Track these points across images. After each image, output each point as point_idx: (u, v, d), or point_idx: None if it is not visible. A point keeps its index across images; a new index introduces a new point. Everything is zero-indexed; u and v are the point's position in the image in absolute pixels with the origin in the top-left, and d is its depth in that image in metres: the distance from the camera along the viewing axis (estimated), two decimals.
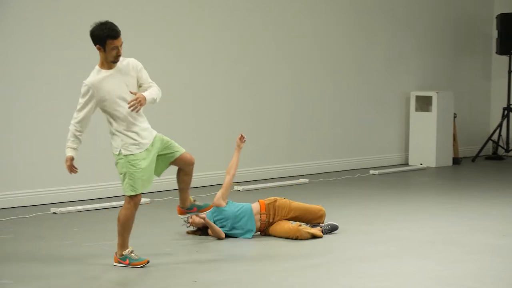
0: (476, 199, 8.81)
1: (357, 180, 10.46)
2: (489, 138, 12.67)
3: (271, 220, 6.81)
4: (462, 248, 6.39)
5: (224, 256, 6.26)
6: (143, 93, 5.67)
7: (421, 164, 11.83)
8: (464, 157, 12.54)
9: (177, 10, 9.46)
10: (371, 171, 11.05)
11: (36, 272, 5.66)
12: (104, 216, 7.76)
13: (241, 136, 6.97)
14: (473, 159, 12.51)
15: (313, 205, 7.03)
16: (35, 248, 6.44)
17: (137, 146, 5.72)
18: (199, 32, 9.68)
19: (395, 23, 11.98)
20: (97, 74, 5.68)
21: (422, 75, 12.43)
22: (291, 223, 6.77)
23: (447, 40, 12.82)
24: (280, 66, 10.57)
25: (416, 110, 11.95)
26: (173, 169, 6.03)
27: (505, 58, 12.81)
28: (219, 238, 6.70)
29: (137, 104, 5.60)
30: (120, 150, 5.72)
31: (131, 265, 5.75)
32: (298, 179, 10.28)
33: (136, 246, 5.97)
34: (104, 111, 5.72)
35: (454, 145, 12.09)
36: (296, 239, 6.65)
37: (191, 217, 6.78)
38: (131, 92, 5.68)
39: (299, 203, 6.99)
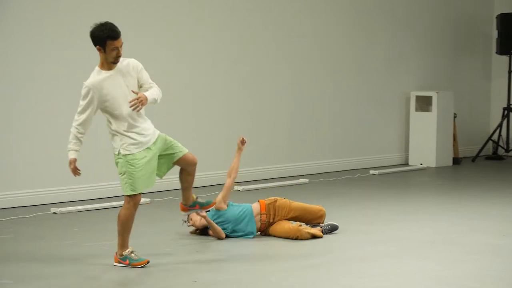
0: (476, 199, 8.81)
1: (357, 180, 10.46)
2: (489, 138, 12.67)
3: (271, 220, 6.81)
4: (462, 248, 6.39)
5: (224, 256, 6.26)
6: (144, 93, 5.68)
7: (421, 164, 11.83)
8: (464, 157, 12.54)
9: (177, 10, 9.46)
10: (371, 171, 11.05)
11: (36, 272, 5.66)
12: (104, 216, 7.76)
13: (242, 139, 6.96)
14: (473, 159, 12.52)
15: (313, 205, 7.03)
16: (35, 248, 6.44)
17: (136, 146, 5.71)
18: (199, 32, 9.68)
19: (395, 23, 11.98)
20: (97, 75, 5.68)
21: (422, 75, 12.43)
22: (291, 223, 6.77)
23: (447, 40, 12.82)
24: (280, 66, 10.57)
25: (416, 110, 11.95)
26: (173, 169, 6.03)
27: (505, 58, 12.81)
28: (219, 238, 6.70)
29: (139, 103, 5.60)
30: (119, 150, 5.73)
31: (131, 265, 5.75)
32: (298, 179, 10.28)
33: (136, 246, 5.97)
34: (105, 111, 5.72)
35: (454, 145, 12.09)
36: (296, 239, 6.65)
37: (191, 219, 6.79)
38: (133, 92, 5.68)
39: (299, 203, 6.99)
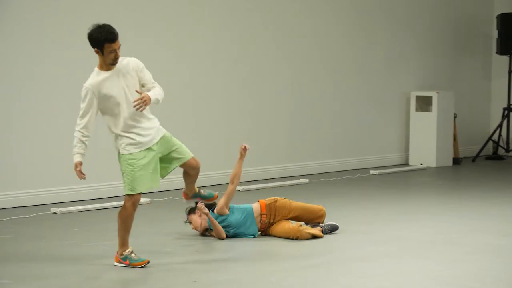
0: (476, 199, 8.81)
1: (357, 180, 10.46)
2: (489, 138, 12.67)
3: (271, 220, 6.81)
4: (462, 248, 6.39)
5: (224, 256, 6.26)
6: (147, 93, 5.68)
7: (421, 164, 11.82)
8: (464, 157, 12.53)
9: (177, 10, 9.46)
10: (371, 171, 11.05)
11: (36, 272, 5.66)
12: (105, 216, 7.76)
13: (245, 147, 6.95)
14: (473, 159, 12.51)
15: (313, 205, 7.03)
16: (35, 248, 6.44)
17: (135, 146, 5.72)
18: (199, 32, 9.67)
19: (395, 23, 11.98)
20: (96, 76, 5.68)
21: (422, 75, 12.42)
22: (292, 223, 6.77)
23: (447, 40, 12.82)
24: (280, 66, 10.57)
25: (416, 110, 11.95)
26: (175, 169, 6.03)
27: (505, 58, 12.80)
28: (220, 238, 6.70)
29: (142, 103, 5.60)
30: (119, 149, 5.74)
31: (131, 265, 5.76)
32: (298, 179, 10.27)
33: (136, 246, 5.97)
34: (105, 112, 5.73)
35: (454, 145, 12.09)
36: (297, 239, 6.65)
37: (192, 223, 6.80)
38: (136, 91, 5.67)
39: (299, 203, 6.99)
